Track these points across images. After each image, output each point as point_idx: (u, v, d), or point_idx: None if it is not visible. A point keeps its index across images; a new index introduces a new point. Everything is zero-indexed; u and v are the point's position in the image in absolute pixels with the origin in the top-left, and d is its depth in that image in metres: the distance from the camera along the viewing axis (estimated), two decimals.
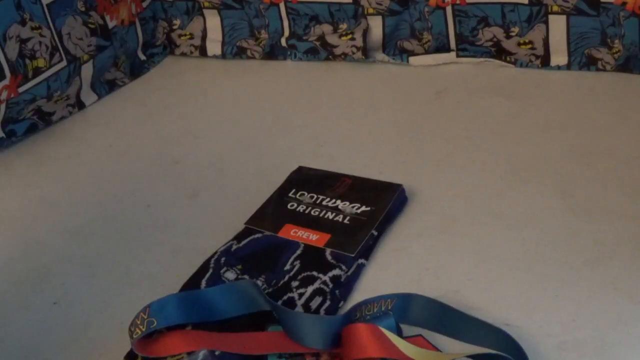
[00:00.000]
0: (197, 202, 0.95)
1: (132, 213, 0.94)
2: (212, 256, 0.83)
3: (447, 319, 0.70)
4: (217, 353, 0.68)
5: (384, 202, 0.87)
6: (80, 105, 1.22)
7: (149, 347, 0.70)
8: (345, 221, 0.85)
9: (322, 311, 0.74)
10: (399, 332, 0.69)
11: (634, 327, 0.69)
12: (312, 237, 0.84)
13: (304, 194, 0.91)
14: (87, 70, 1.21)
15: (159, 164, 1.05)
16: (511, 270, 0.77)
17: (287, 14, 1.28)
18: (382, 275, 0.79)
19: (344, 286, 0.77)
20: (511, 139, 1.00)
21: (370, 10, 1.23)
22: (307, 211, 0.88)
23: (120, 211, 0.95)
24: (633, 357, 0.66)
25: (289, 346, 0.69)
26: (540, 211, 0.86)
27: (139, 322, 0.70)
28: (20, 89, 1.08)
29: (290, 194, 0.91)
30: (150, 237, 0.90)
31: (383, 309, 0.71)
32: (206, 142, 1.09)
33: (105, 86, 1.26)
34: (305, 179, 0.94)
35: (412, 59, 1.24)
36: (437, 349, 0.68)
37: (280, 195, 0.92)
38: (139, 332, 0.70)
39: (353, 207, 0.87)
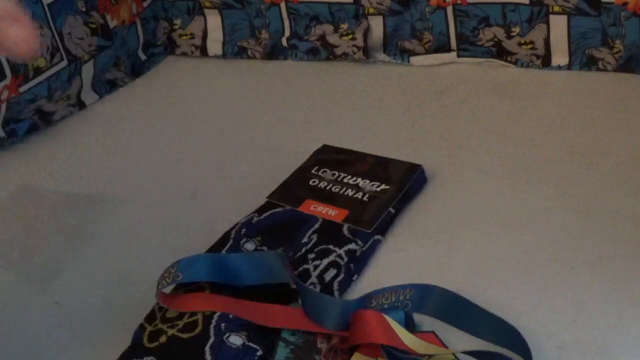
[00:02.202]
0: (197, 201, 0.95)
1: (132, 213, 0.94)
2: (233, 227, 0.85)
3: (464, 312, 0.71)
4: (230, 316, 0.70)
5: (403, 181, 0.90)
6: (81, 105, 1.22)
7: (170, 300, 0.74)
8: (364, 198, 0.87)
9: (335, 283, 0.76)
10: (412, 325, 0.70)
11: (634, 327, 0.69)
12: (331, 213, 0.86)
13: (326, 171, 0.93)
14: (87, 70, 1.21)
15: (160, 163, 1.05)
16: (511, 270, 0.77)
17: (288, 13, 1.28)
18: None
19: (359, 260, 0.80)
20: (512, 139, 1.00)
21: (371, 10, 1.23)
22: (328, 187, 0.90)
23: (120, 211, 0.95)
24: (633, 357, 0.66)
25: (303, 324, 0.71)
26: (541, 211, 0.86)
27: (166, 275, 0.73)
28: (21, 89, 1.08)
29: (312, 171, 0.94)
30: (150, 236, 0.90)
31: (401, 298, 0.73)
32: (207, 141, 1.09)
33: (106, 86, 1.26)
34: (328, 156, 0.97)
35: (413, 59, 1.24)
36: (445, 347, 0.68)
37: (302, 172, 0.94)
38: (165, 284, 0.73)
39: (373, 185, 0.90)
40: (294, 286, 0.74)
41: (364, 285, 0.78)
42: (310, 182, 0.92)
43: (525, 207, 0.87)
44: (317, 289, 0.75)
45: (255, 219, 0.86)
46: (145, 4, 1.34)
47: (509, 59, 1.19)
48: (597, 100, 1.08)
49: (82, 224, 0.93)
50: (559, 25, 1.14)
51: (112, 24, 1.25)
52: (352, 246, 0.80)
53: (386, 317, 0.68)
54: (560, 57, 1.16)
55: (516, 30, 1.16)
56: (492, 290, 0.75)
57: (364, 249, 0.81)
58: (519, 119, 1.05)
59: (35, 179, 1.04)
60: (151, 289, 0.76)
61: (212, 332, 0.70)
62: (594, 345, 0.67)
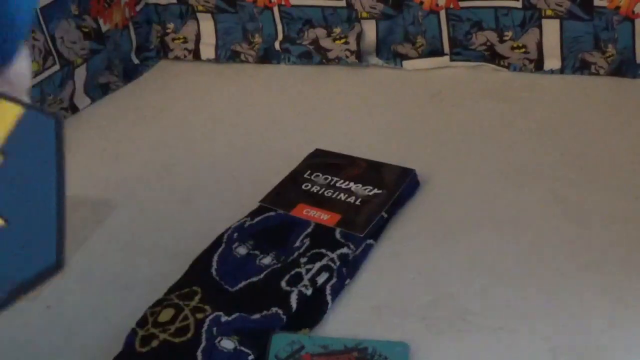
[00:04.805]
0: (191, 205, 0.95)
1: (126, 217, 0.94)
2: (225, 231, 0.85)
3: None
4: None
5: (396, 185, 0.90)
6: (73, 109, 1.21)
7: None
8: (357, 202, 0.88)
9: (328, 287, 0.76)
10: None
11: (626, 330, 0.69)
12: (324, 217, 0.86)
13: (318, 175, 0.94)
14: (80, 74, 1.20)
15: (153, 167, 1.05)
16: (505, 274, 0.77)
17: (281, 17, 1.28)
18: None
19: (352, 264, 0.80)
20: (505, 143, 1.00)
21: (364, 14, 1.23)
22: (320, 192, 0.91)
23: (114, 215, 0.95)
24: None
25: None
26: (534, 215, 0.86)
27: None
28: None
29: (305, 175, 0.94)
30: (144, 241, 0.89)
31: None
32: (200, 145, 1.09)
33: (98, 90, 1.26)
34: (321, 160, 0.97)
35: (406, 63, 1.24)
36: None
37: (295, 176, 0.94)
38: None
39: (365, 189, 0.90)
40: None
41: (356, 289, 0.77)
42: (303, 187, 0.92)
43: (518, 210, 0.87)
44: (309, 291, 0.75)
45: (247, 223, 0.86)
46: (138, 8, 1.33)
47: (501, 62, 1.19)
48: (589, 104, 1.08)
49: (75, 228, 0.93)
50: (551, 29, 1.14)
51: (105, 27, 1.25)
52: (344, 250, 0.80)
53: None
54: (552, 61, 1.16)
55: (509, 34, 1.16)
56: (485, 294, 0.75)
57: (357, 253, 0.81)
58: (512, 123, 1.05)
59: None
60: (145, 293, 0.76)
61: (203, 337, 0.69)
62: (587, 349, 0.67)
